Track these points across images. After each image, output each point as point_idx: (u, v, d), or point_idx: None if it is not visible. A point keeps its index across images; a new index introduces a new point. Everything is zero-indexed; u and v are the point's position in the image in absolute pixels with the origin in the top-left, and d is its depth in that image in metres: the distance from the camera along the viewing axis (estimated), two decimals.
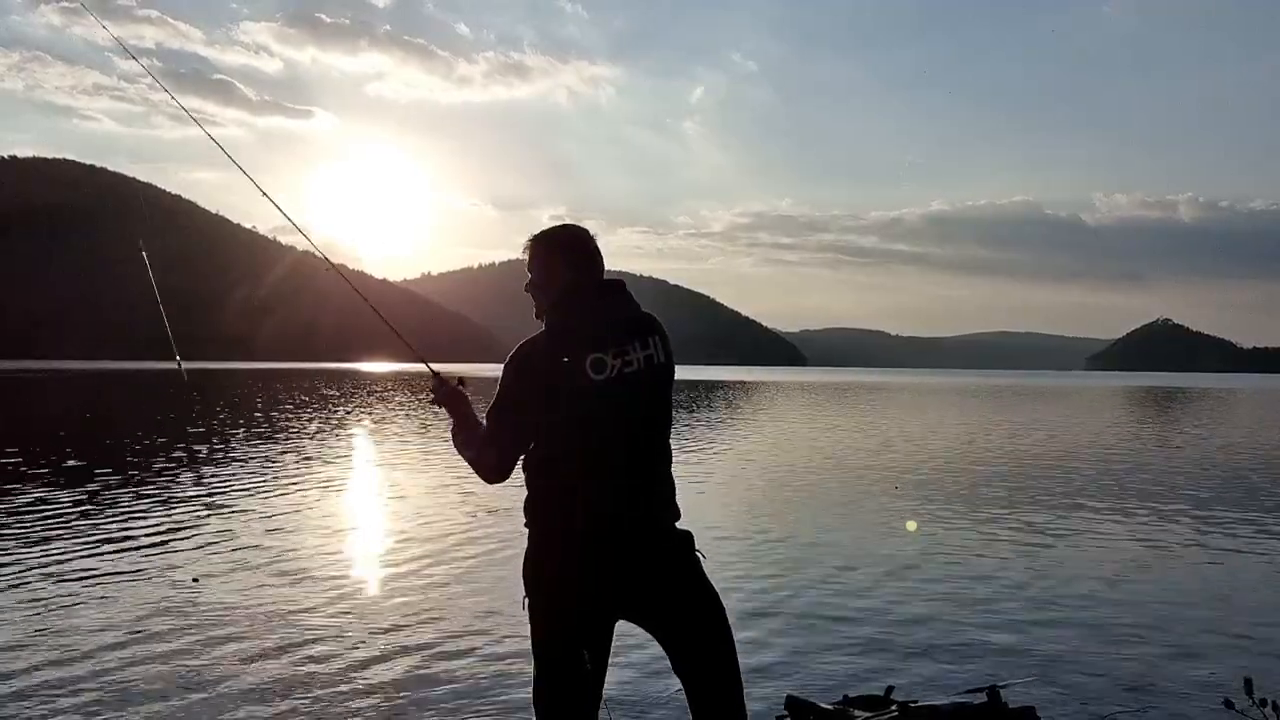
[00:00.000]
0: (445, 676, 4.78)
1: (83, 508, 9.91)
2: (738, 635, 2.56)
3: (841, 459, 16.10)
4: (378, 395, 43.81)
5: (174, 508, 10.04)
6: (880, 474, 13.91)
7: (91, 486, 11.57)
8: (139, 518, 9.35)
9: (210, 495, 10.99)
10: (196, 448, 16.86)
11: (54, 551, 7.66)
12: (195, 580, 6.71)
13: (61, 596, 6.22)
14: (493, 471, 2.58)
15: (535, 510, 2.56)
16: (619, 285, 2.66)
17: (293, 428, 22.34)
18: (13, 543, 8.00)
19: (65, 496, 10.71)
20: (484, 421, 2.61)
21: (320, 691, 4.53)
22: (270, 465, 14.28)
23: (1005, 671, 4.84)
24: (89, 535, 8.37)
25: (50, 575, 6.82)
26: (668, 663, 2.57)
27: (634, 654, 4.80)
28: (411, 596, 6.37)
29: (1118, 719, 4.28)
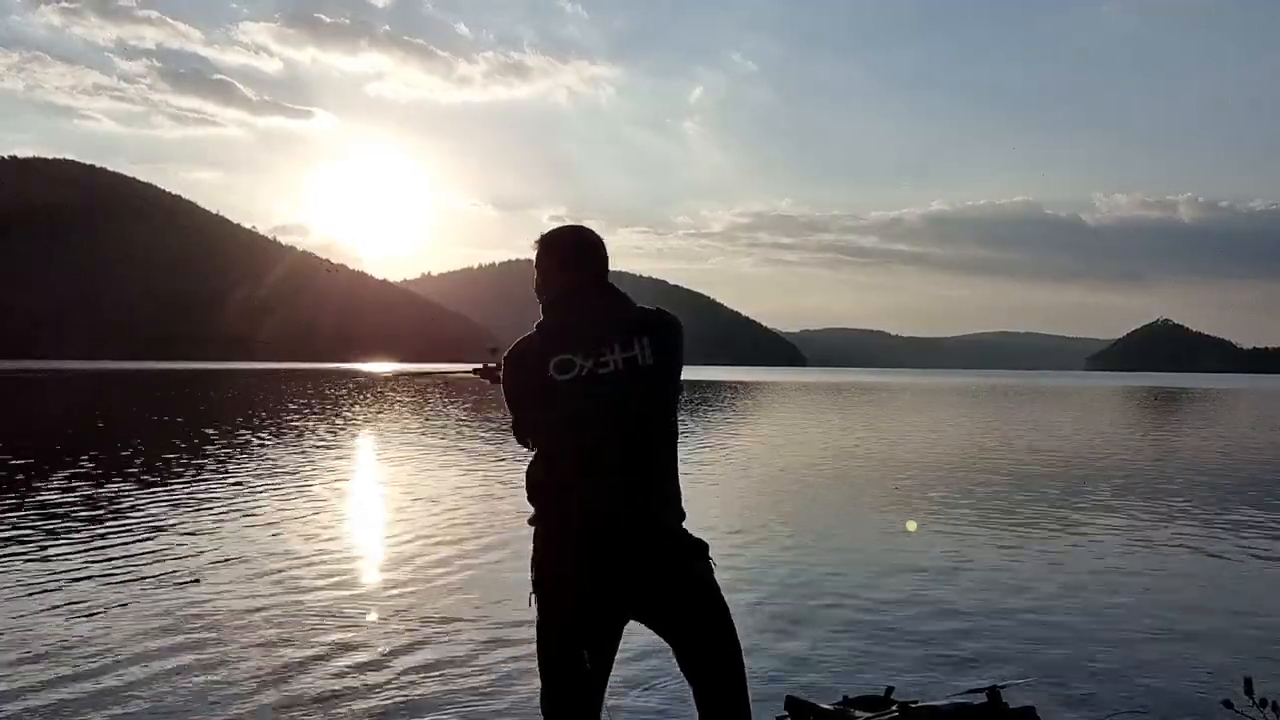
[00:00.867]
0: (454, 677, 4.77)
1: (83, 508, 9.92)
2: (738, 635, 2.58)
3: (841, 459, 16.11)
4: (379, 395, 43.81)
5: (174, 508, 10.04)
6: (880, 474, 13.92)
7: (92, 486, 11.58)
8: (139, 518, 9.36)
9: (211, 495, 10.99)
10: (197, 448, 16.87)
11: (54, 552, 7.67)
12: (197, 580, 6.72)
13: (62, 596, 6.23)
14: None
15: (532, 508, 2.62)
16: (608, 287, 2.67)
17: (294, 428, 22.35)
18: (13, 543, 8.01)
19: (65, 497, 10.71)
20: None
21: (323, 692, 4.53)
22: (272, 465, 14.29)
23: (1005, 671, 4.84)
24: (90, 535, 8.38)
25: (51, 575, 6.82)
26: (674, 663, 2.59)
27: (637, 654, 4.78)
28: (417, 596, 6.37)
29: (1118, 719, 4.30)
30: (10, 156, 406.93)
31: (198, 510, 9.92)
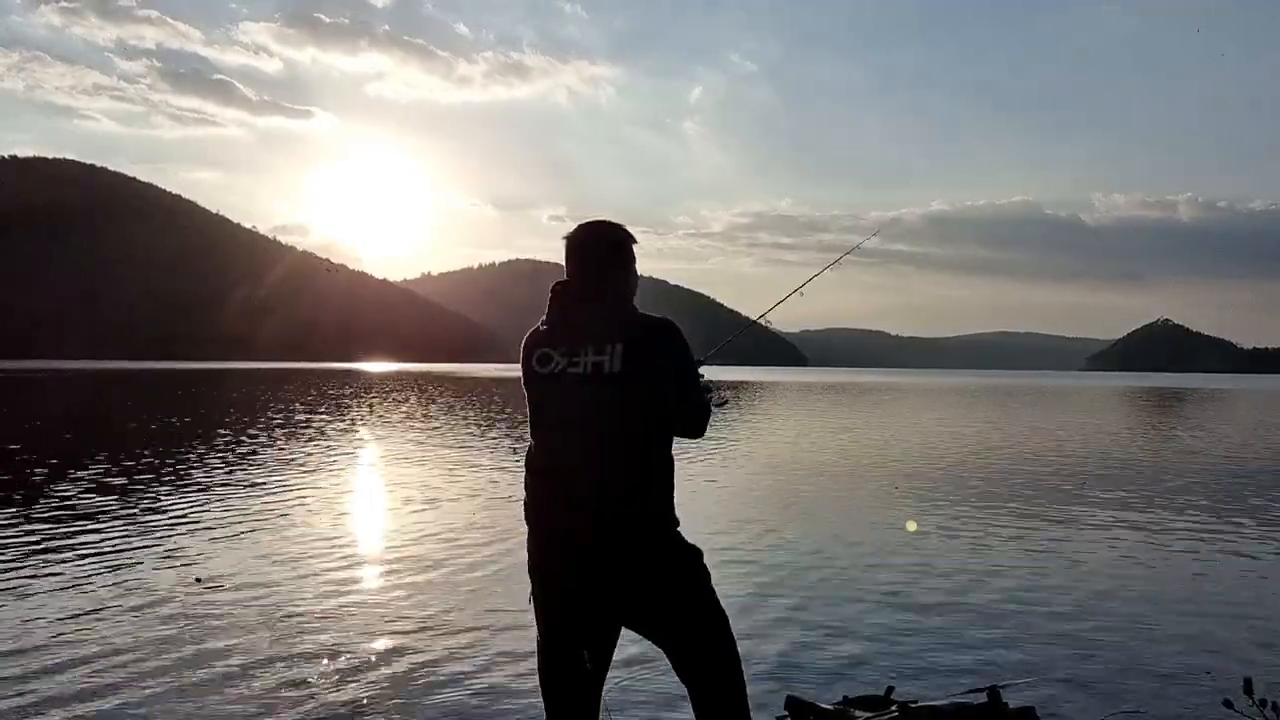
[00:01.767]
0: (458, 677, 4.76)
1: (84, 508, 9.91)
2: (737, 635, 2.57)
3: (841, 459, 16.10)
4: (380, 395, 43.81)
5: (176, 508, 10.03)
6: (880, 474, 13.91)
7: (93, 487, 11.56)
8: (140, 518, 9.35)
9: (213, 495, 10.99)
10: (198, 448, 16.87)
11: (55, 552, 7.65)
12: (198, 580, 6.72)
13: (63, 597, 6.22)
14: None
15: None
16: (603, 289, 2.67)
17: (296, 427, 22.33)
18: (14, 543, 8.00)
19: (66, 497, 10.70)
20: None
21: (325, 693, 4.53)
22: (274, 465, 14.28)
23: (1005, 671, 4.83)
24: (91, 535, 8.37)
25: (52, 576, 6.82)
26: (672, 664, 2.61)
27: (636, 654, 4.78)
28: (422, 596, 6.36)
29: (1118, 719, 4.29)
30: (10, 156, 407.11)
31: (200, 510, 9.91)
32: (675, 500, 2.64)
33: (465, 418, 26.86)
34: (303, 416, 26.85)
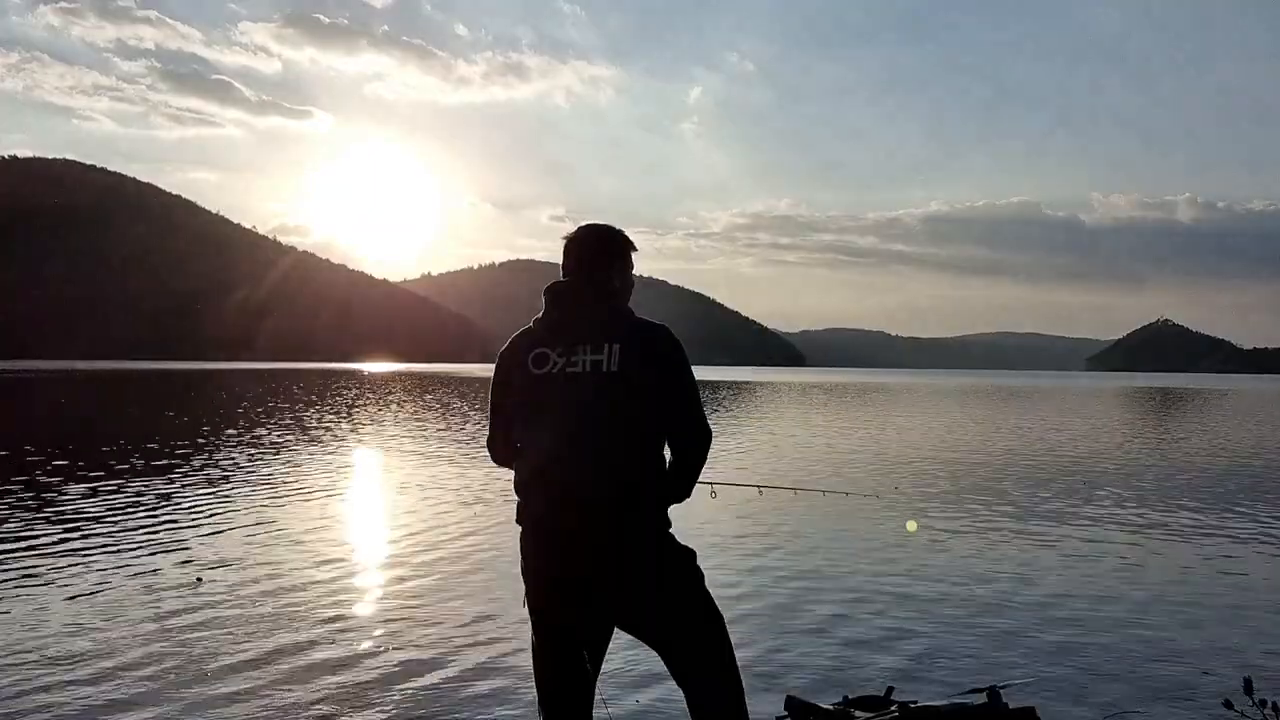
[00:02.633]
0: (455, 677, 4.77)
1: (85, 508, 9.91)
2: (736, 635, 2.54)
3: (840, 459, 16.11)
4: (380, 396, 43.81)
5: (177, 507, 10.03)
6: (880, 474, 13.91)
7: (93, 487, 11.56)
8: (142, 518, 9.34)
9: (214, 495, 10.99)
10: (199, 448, 16.87)
11: (56, 552, 7.65)
12: (199, 580, 6.72)
13: (63, 596, 6.22)
14: (489, 451, 2.82)
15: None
16: (599, 291, 2.67)
17: (296, 427, 22.33)
18: (14, 543, 8.00)
19: (66, 497, 10.71)
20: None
21: (324, 693, 4.53)
22: (274, 465, 14.28)
23: (1005, 671, 4.83)
24: (92, 535, 8.37)
25: (52, 575, 6.82)
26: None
27: (634, 654, 4.77)
28: (419, 596, 6.36)
29: (1118, 719, 4.29)
30: (10, 156, 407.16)
31: (201, 510, 9.91)
32: (679, 509, 2.64)
33: (465, 418, 26.86)
34: (303, 417, 26.85)
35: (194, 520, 9.29)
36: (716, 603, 2.63)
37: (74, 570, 6.99)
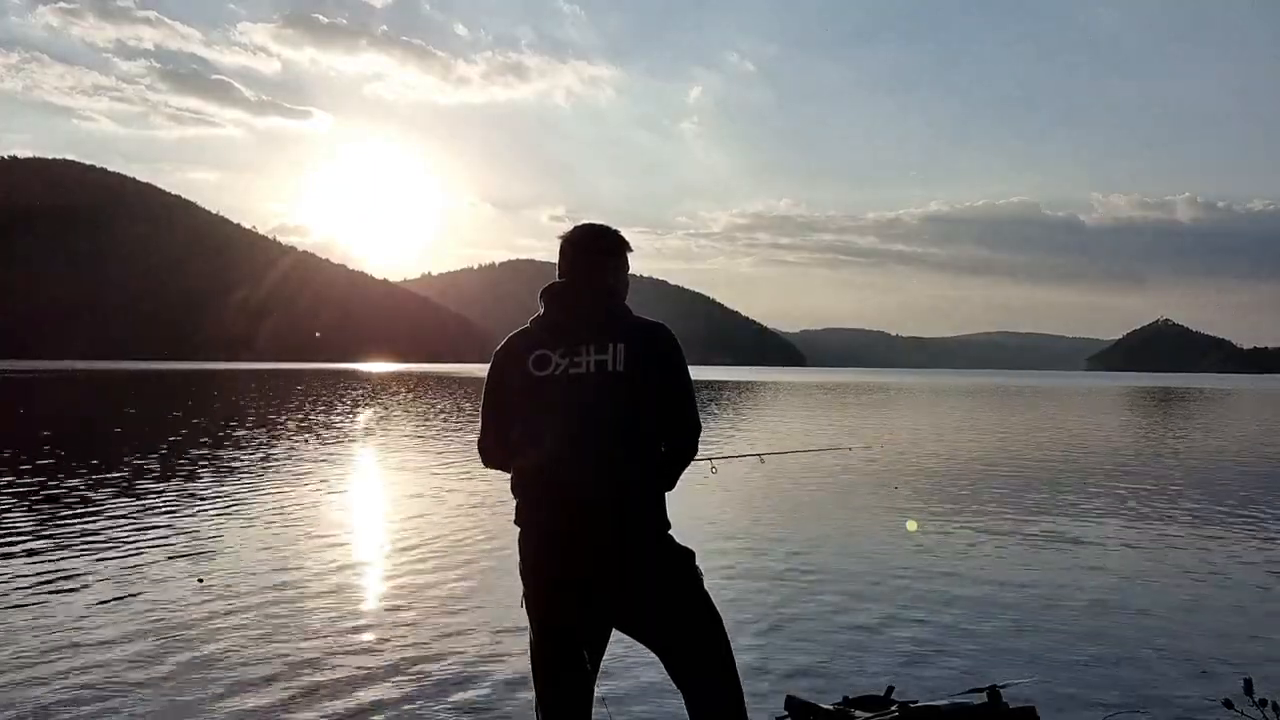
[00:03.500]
0: (454, 678, 4.77)
1: (86, 508, 9.91)
2: (737, 635, 2.56)
3: (840, 459, 16.10)
4: (380, 396, 43.82)
5: (178, 508, 10.04)
6: (879, 474, 13.92)
7: (94, 486, 11.57)
8: (142, 519, 9.35)
9: (216, 496, 10.99)
10: (200, 448, 16.87)
11: (57, 552, 7.66)
12: (200, 581, 6.72)
13: (65, 597, 6.23)
14: (480, 454, 2.79)
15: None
16: (598, 290, 2.67)
17: (297, 428, 22.34)
18: (15, 543, 8.00)
19: (67, 498, 10.71)
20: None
21: (325, 693, 4.53)
22: (276, 465, 14.29)
23: (1005, 671, 4.82)
24: (93, 535, 8.37)
25: (53, 575, 6.82)
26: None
27: (633, 654, 4.76)
28: (422, 596, 6.37)
29: (1118, 719, 4.30)
30: (10, 156, 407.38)
31: (202, 511, 9.91)
32: (668, 501, 2.64)
33: (466, 418, 26.86)
34: (303, 417, 26.86)
35: (195, 521, 9.29)
36: (715, 604, 2.63)
37: (75, 570, 7.00)
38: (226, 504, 10.37)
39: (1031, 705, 3.92)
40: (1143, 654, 5.24)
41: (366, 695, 4.50)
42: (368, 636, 5.44)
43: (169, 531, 8.67)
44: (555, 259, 2.76)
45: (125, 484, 11.90)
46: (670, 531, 2.60)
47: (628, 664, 4.70)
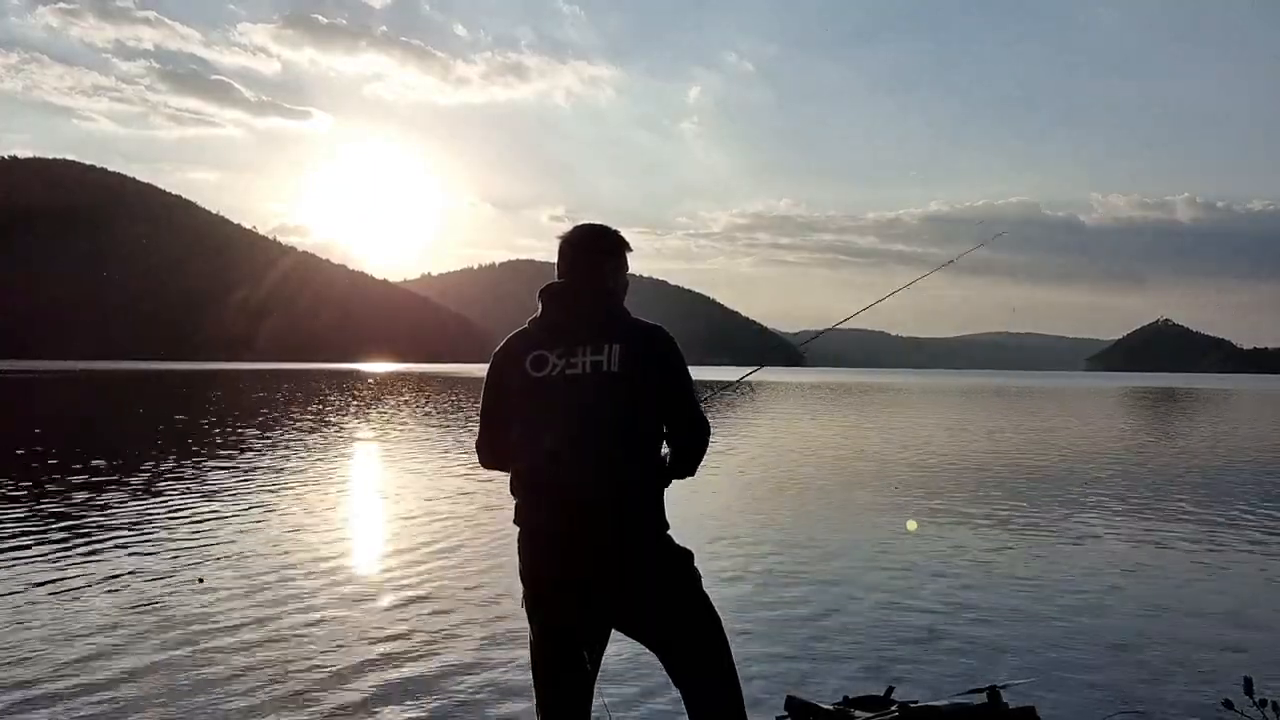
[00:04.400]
0: (454, 678, 4.77)
1: (85, 509, 9.91)
2: (737, 636, 2.58)
3: (840, 459, 16.11)
4: (380, 396, 43.81)
5: (179, 508, 10.03)
6: (880, 474, 13.92)
7: (93, 487, 11.56)
8: (143, 518, 9.35)
9: (216, 496, 10.98)
10: (201, 448, 16.87)
11: (58, 551, 7.66)
12: (200, 581, 6.72)
13: (65, 597, 6.23)
14: (478, 455, 2.79)
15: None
16: (597, 291, 2.67)
17: (298, 428, 22.34)
18: (15, 543, 7.99)
19: (67, 497, 10.71)
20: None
21: (325, 693, 4.53)
22: (277, 465, 14.28)
23: (1005, 671, 4.83)
24: (92, 536, 8.37)
25: (54, 575, 6.82)
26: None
27: (633, 654, 4.74)
28: (421, 596, 6.37)
29: (1117, 719, 4.29)
30: (10, 157, 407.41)
31: (203, 510, 9.91)
32: (668, 501, 2.64)
33: (464, 418, 26.86)
34: (304, 418, 26.86)
35: (196, 521, 9.28)
36: (714, 604, 2.63)
37: (75, 571, 6.99)
38: (226, 504, 10.37)
39: (1031, 705, 3.91)
40: (1143, 654, 5.24)
41: (367, 695, 4.49)
42: (368, 636, 5.43)
43: (169, 531, 8.66)
44: (555, 259, 2.76)
45: (125, 484, 11.89)
46: (669, 532, 2.60)
47: (628, 664, 4.70)
